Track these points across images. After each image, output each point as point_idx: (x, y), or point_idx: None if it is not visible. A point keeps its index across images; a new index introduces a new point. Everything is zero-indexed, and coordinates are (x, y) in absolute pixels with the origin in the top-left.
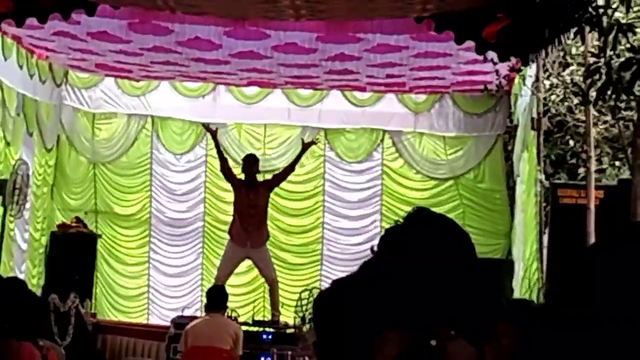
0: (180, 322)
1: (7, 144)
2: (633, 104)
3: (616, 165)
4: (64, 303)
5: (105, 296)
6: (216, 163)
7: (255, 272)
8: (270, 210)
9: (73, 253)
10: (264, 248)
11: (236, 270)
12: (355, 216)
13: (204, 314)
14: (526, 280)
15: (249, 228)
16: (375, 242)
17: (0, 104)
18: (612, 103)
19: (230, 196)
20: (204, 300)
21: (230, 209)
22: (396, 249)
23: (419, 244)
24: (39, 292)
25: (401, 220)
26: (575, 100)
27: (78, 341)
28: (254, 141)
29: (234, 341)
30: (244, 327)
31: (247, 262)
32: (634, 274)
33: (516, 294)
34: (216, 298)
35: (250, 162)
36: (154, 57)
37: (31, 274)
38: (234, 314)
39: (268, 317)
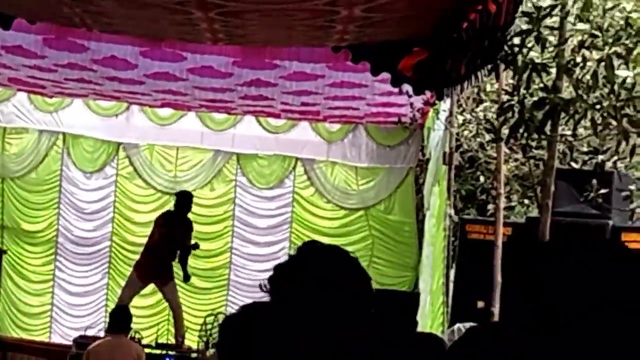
0: (82, 342)
1: None
2: (544, 143)
3: (525, 203)
4: None
5: (8, 313)
6: (126, 184)
7: (159, 295)
8: None
9: None
10: (172, 282)
11: (140, 292)
12: (264, 242)
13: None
14: (432, 314)
15: (158, 263)
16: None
17: None
18: (523, 141)
19: (139, 217)
20: (108, 320)
21: (138, 230)
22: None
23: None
24: None
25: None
26: (487, 137)
27: None
28: (165, 163)
29: None
30: (147, 350)
31: (151, 285)
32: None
33: (421, 327)
34: (120, 319)
35: (189, 201)
36: (68, 74)
37: None
38: (137, 336)
39: (171, 340)
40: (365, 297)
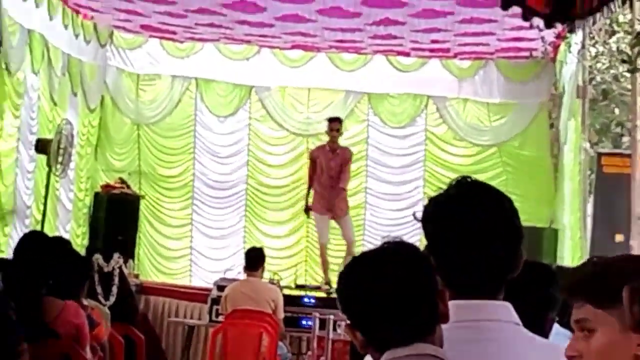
0: (222, 285)
1: (54, 104)
2: None
3: None
4: (107, 263)
5: (148, 257)
6: (259, 126)
7: (298, 235)
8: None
9: (116, 214)
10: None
11: (277, 233)
12: (397, 182)
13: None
14: (572, 249)
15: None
16: (417, 208)
17: (46, 63)
18: None
19: (272, 159)
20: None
21: (272, 172)
22: (439, 216)
23: (461, 211)
24: (82, 251)
25: (444, 188)
26: (621, 68)
27: (122, 301)
28: (297, 104)
29: (273, 307)
30: (286, 291)
31: (288, 226)
32: None
33: (560, 261)
34: (252, 259)
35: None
36: (199, 19)
37: (75, 233)
38: (276, 277)
39: (310, 280)
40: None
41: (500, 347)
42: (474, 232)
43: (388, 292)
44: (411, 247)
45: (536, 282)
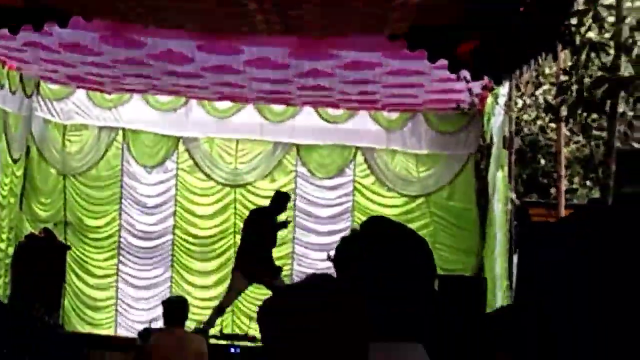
0: (147, 335)
1: None
2: (604, 124)
3: (587, 185)
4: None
5: (74, 308)
6: (187, 177)
7: (225, 285)
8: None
9: (41, 264)
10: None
11: (204, 284)
12: (325, 232)
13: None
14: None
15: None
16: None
17: None
18: (583, 121)
19: (200, 209)
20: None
21: (200, 222)
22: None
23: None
24: (5, 301)
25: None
26: (547, 119)
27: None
28: (225, 155)
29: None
30: (212, 340)
31: (215, 276)
32: None
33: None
34: (177, 312)
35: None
36: (126, 70)
37: None
38: (201, 327)
39: (237, 330)
40: (427, 274)
41: None
42: (384, 268)
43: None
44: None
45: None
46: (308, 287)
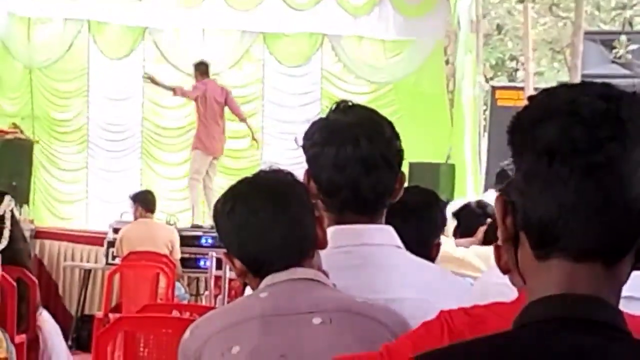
0: (118, 228)
1: None
2: (572, 4)
3: (555, 67)
4: None
5: (44, 202)
6: (154, 68)
7: None
8: None
9: (9, 159)
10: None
11: (175, 175)
12: (294, 120)
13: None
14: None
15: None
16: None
17: None
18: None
19: (167, 101)
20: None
21: (167, 113)
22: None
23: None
24: None
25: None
26: (514, 1)
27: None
28: (191, 45)
29: (169, 249)
30: (184, 232)
31: (185, 167)
32: None
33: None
34: (151, 201)
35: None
36: None
37: None
38: (173, 219)
39: (208, 221)
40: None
41: (382, 270)
42: (352, 154)
43: (261, 220)
44: (285, 173)
45: (420, 206)
46: (258, 181)
